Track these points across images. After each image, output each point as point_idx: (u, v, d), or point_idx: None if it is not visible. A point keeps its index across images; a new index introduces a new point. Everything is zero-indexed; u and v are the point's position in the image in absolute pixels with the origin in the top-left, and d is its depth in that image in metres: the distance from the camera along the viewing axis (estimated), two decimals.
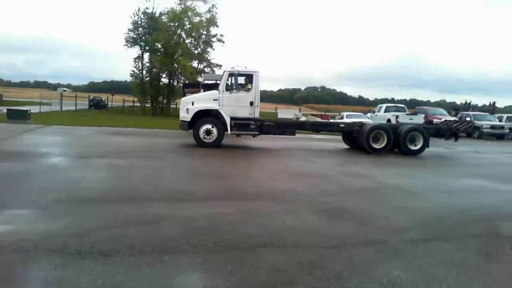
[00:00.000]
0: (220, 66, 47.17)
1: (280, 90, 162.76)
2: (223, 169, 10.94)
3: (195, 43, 47.56)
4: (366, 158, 14.59)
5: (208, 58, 47.52)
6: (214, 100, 15.41)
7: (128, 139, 17.25)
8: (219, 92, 15.43)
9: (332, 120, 19.35)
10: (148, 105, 48.17)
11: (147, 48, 47.55)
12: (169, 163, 11.54)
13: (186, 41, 47.01)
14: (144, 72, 48.39)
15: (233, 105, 15.33)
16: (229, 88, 15.37)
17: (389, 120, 27.81)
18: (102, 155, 12.14)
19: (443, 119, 29.07)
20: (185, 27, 45.58)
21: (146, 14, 47.40)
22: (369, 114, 33.83)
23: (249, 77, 15.73)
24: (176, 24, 45.52)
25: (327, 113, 43.95)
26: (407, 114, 29.71)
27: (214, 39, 47.57)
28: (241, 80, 15.79)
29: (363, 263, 4.52)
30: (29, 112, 24.74)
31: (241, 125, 15.42)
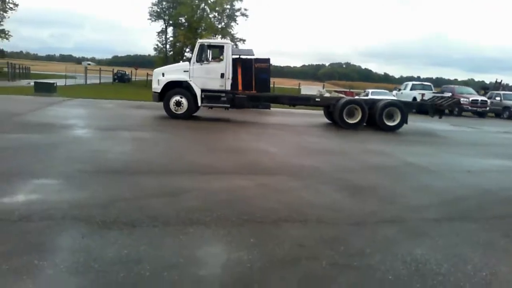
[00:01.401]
0: (244, 40, 46.80)
1: (303, 66, 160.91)
2: (238, 143, 10.97)
3: (219, 17, 47.17)
4: (380, 136, 14.36)
5: (232, 32, 47.14)
6: (184, 71, 15.35)
7: (150, 112, 17.35)
8: (190, 64, 15.37)
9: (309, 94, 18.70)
10: None
11: (170, 22, 47.42)
12: (188, 137, 11.65)
13: (210, 16, 46.66)
14: (167, 46, 48.39)
15: (204, 77, 15.19)
16: (199, 59, 15.21)
17: (414, 99, 27.26)
18: (125, 128, 12.29)
19: (470, 99, 28.36)
20: (209, 1, 45.16)
21: None
22: (394, 92, 33.24)
23: (220, 49, 15.55)
24: None
25: (351, 90, 43.31)
26: (433, 93, 29.04)
27: (237, 13, 47.11)
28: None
29: (386, 240, 4.48)
30: (55, 85, 25.17)
31: (211, 97, 15.27)
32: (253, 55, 17.57)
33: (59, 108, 17.06)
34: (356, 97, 22.24)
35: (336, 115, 15.89)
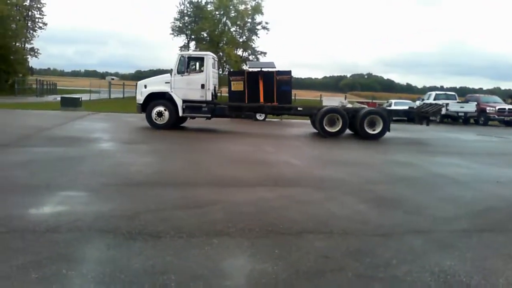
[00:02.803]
0: (264, 53, 47.00)
1: (325, 77, 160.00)
2: (258, 155, 10.95)
3: (240, 31, 47.56)
4: (403, 146, 14.23)
5: (253, 46, 47.41)
6: (166, 83, 15.56)
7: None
8: (171, 75, 15.55)
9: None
10: None
11: (192, 36, 48.00)
12: (210, 148, 11.71)
13: (231, 29, 47.09)
14: None
15: (185, 88, 15.36)
16: (180, 71, 15.39)
17: None
18: (147, 141, 12.47)
19: (497, 108, 27.75)
20: (230, 15, 45.63)
21: (192, 3, 47.74)
22: (418, 102, 32.78)
23: (201, 60, 15.77)
24: (222, 12, 45.64)
25: (374, 101, 42.90)
26: (457, 102, 28.56)
27: (259, 26, 47.40)
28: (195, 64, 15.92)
29: (413, 252, 4.39)
30: (80, 100, 25.71)
31: (193, 107, 15.46)
32: (275, 67, 17.67)
33: (84, 122, 17.42)
34: (379, 107, 22.03)
35: (316, 124, 15.77)
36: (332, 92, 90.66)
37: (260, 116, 19.77)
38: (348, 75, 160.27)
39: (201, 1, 47.63)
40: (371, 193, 6.94)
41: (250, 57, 46.09)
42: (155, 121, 15.46)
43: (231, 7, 45.28)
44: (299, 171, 8.87)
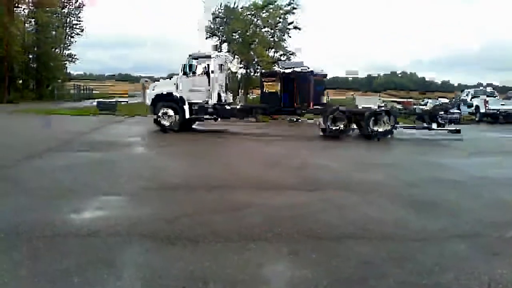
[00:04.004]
0: (295, 54, 46.73)
1: (357, 77, 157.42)
2: (298, 157, 10.80)
3: (272, 31, 47.49)
4: (438, 148, 13.72)
5: (285, 46, 47.25)
6: (173, 85, 15.62)
7: (202, 127, 17.67)
8: (178, 78, 15.59)
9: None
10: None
11: (224, 38, 48.31)
12: (243, 151, 11.71)
13: (263, 30, 47.09)
14: None
15: (191, 90, 15.39)
16: (187, 73, 15.42)
17: (477, 107, 25.97)
18: (181, 144, 12.61)
19: None
20: (261, 16, 45.65)
21: (227, 7, 48.04)
22: (454, 100, 31.83)
23: (206, 62, 15.63)
24: (253, 12, 45.73)
25: (409, 99, 41.95)
26: (497, 99, 27.51)
27: (290, 26, 47.21)
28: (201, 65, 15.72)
29: (457, 258, 4.23)
30: (115, 104, 26.31)
31: (199, 109, 15.45)
32: (305, 66, 17.45)
33: (120, 126, 17.78)
34: (414, 107, 21.42)
35: (322, 123, 15.48)
36: (366, 91, 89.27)
37: (293, 118, 19.59)
38: (382, 74, 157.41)
39: (237, 7, 47.81)
40: (410, 196, 6.74)
41: (282, 58, 45.95)
42: (162, 123, 15.51)
43: (264, 9, 45.27)
44: (336, 173, 8.72)
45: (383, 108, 15.72)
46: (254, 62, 46.42)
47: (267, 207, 5.83)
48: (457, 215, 5.77)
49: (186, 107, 15.36)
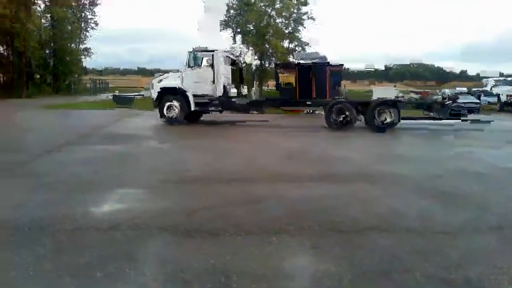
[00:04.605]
0: (309, 45, 46.36)
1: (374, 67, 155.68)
2: (318, 149, 10.74)
3: (286, 22, 47.17)
4: (463, 139, 13.45)
5: (299, 37, 46.91)
6: (178, 78, 15.85)
7: (221, 119, 17.69)
8: (183, 71, 15.79)
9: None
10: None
11: (238, 30, 48.14)
12: (262, 143, 11.65)
13: (277, 21, 46.80)
14: None
15: (196, 83, 15.57)
16: (191, 66, 15.63)
17: (498, 95, 25.43)
18: (199, 137, 12.62)
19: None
20: (276, 7, 45.36)
21: None
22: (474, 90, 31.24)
23: (210, 55, 15.82)
24: (267, 3, 45.46)
25: (426, 90, 41.28)
26: None
27: (305, 17, 46.83)
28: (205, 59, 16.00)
29: (485, 252, 4.10)
30: (132, 97, 26.45)
31: (203, 102, 15.69)
32: (324, 58, 17.32)
33: (137, 119, 17.87)
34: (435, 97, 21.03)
35: (324, 116, 15.39)
36: (382, 82, 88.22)
37: (309, 110, 19.44)
38: (397, 64, 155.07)
39: None
40: (434, 189, 6.59)
41: (297, 49, 45.63)
42: (167, 115, 15.71)
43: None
44: (357, 166, 8.58)
45: (392, 98, 15.51)
46: (268, 53, 46.24)
47: (288, 199, 5.76)
48: (483, 207, 5.63)
49: (191, 100, 15.56)
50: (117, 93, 30.86)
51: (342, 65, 17.09)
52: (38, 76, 46.67)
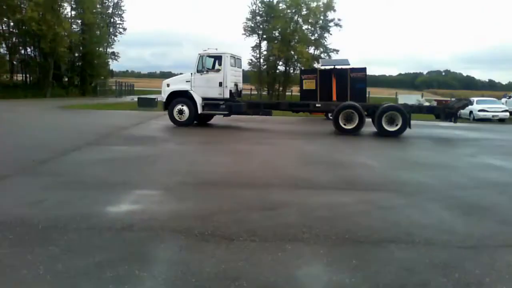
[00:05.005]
0: (337, 51, 46.19)
1: (400, 74, 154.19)
2: (339, 155, 10.54)
3: (312, 28, 47.14)
4: (489, 148, 13.02)
5: (325, 43, 46.80)
6: (187, 81, 15.98)
7: (246, 124, 17.70)
8: (191, 74, 15.87)
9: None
10: (264, 93, 48.95)
11: (264, 36, 48.32)
12: (283, 148, 11.53)
13: (303, 27, 46.81)
14: (261, 60, 49.29)
15: (204, 86, 15.71)
16: (200, 70, 15.70)
17: None
18: (219, 140, 12.60)
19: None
20: (302, 13, 45.38)
21: (264, 2, 48.06)
22: (503, 99, 30.28)
23: (219, 59, 15.86)
24: (293, 10, 45.53)
25: (452, 99, 40.42)
26: None
27: (331, 23, 46.73)
28: (212, 62, 16.06)
29: (510, 268, 3.88)
30: (155, 100, 26.72)
31: (211, 105, 15.77)
32: (349, 65, 17.16)
33: (159, 121, 17.96)
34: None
35: (332, 120, 15.18)
36: (408, 89, 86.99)
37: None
38: (425, 72, 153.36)
39: (272, 0, 47.83)
40: (457, 199, 6.36)
41: (322, 55, 45.53)
42: (177, 118, 15.92)
43: (303, 4, 45.02)
44: (377, 173, 8.39)
45: (396, 105, 15.17)
46: (293, 60, 46.26)
47: (305, 206, 5.64)
48: (507, 221, 5.38)
49: (198, 103, 15.73)
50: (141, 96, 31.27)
51: (365, 69, 16.83)
52: (66, 79, 47.81)
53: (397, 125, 14.58)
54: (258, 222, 4.86)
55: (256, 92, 49.10)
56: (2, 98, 33.60)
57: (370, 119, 15.34)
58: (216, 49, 16.13)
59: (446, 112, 15.52)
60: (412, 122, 15.28)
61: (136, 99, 28.60)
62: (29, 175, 7.11)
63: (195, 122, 16.50)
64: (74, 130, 14.13)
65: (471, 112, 26.03)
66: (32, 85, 43.11)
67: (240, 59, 17.38)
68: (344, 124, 14.89)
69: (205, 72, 15.77)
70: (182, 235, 4.35)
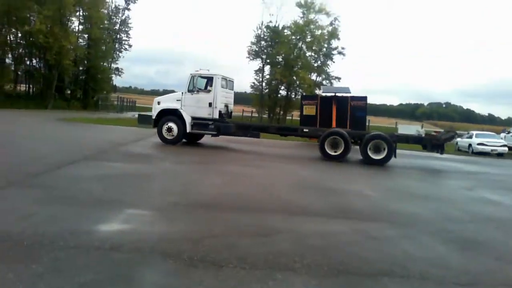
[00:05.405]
0: (339, 79, 46.55)
1: (400, 104, 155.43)
2: (332, 182, 10.46)
3: (315, 55, 47.62)
4: (491, 182, 12.95)
5: (327, 70, 47.20)
6: (177, 100, 16.22)
7: (241, 146, 17.62)
8: (182, 93, 16.11)
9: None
10: (265, 116, 49.11)
11: (268, 61, 48.76)
12: (280, 173, 11.45)
13: (307, 54, 47.26)
14: (263, 84, 49.64)
15: (194, 106, 15.94)
16: (190, 89, 15.94)
17: None
18: (217, 161, 12.53)
19: None
20: (307, 40, 45.90)
21: (269, 28, 48.67)
22: (503, 134, 30.36)
23: (210, 80, 16.03)
24: (298, 37, 46.05)
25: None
26: None
27: (334, 51, 47.25)
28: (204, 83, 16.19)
29: None
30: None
31: (200, 124, 15.94)
32: (350, 92, 17.27)
33: (158, 139, 17.88)
34: (458, 139, 20.53)
35: (318, 145, 15.22)
36: (408, 120, 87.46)
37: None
38: (425, 103, 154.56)
39: (278, 26, 48.44)
40: (453, 233, 6.27)
41: (324, 82, 45.86)
42: (164, 136, 16.12)
43: (307, 32, 45.55)
44: (371, 202, 8.29)
45: (381, 134, 15.15)
46: (295, 85, 46.57)
47: (297, 233, 5.54)
48: (504, 257, 5.29)
49: (187, 122, 15.92)
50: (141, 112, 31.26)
51: (366, 97, 16.92)
52: (68, 92, 48.00)
53: (382, 153, 14.56)
54: (249, 248, 4.76)
55: (257, 115, 49.30)
56: (4, 107, 33.69)
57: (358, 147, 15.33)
58: (208, 70, 16.33)
59: (433, 144, 15.46)
60: (408, 152, 15.25)
61: (136, 115, 28.60)
62: (21, 187, 7.02)
63: (184, 140, 16.72)
64: (72, 144, 14.07)
65: (470, 145, 26.11)
66: (34, 96, 43.28)
67: (232, 81, 17.57)
68: (330, 150, 14.91)
69: (195, 92, 15.96)
70: (171, 258, 4.25)
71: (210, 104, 15.85)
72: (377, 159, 14.53)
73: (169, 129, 16.03)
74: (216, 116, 15.91)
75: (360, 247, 5.18)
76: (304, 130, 16.68)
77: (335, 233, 5.75)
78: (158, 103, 16.77)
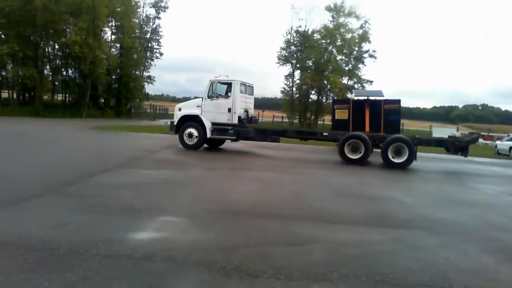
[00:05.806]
0: (371, 82, 45.83)
1: (434, 107, 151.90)
2: (364, 187, 10.15)
3: (346, 59, 47.07)
4: None
5: (359, 74, 46.55)
6: (197, 106, 16.51)
7: (273, 153, 17.50)
8: (202, 100, 16.35)
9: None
10: (296, 121, 48.86)
11: (298, 65, 48.58)
12: (312, 179, 11.23)
13: (337, 58, 46.78)
14: (294, 89, 49.47)
15: (214, 111, 16.16)
16: (210, 95, 16.14)
17: None
18: (251, 168, 12.42)
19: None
20: (337, 44, 45.44)
21: (299, 32, 48.53)
22: None
23: (229, 86, 16.16)
24: (328, 41, 45.66)
25: (490, 134, 39.16)
26: None
27: (365, 55, 46.59)
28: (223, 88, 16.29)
29: None
30: None
31: (219, 129, 16.14)
32: (383, 96, 16.89)
33: None
34: (498, 142, 19.77)
35: (337, 149, 14.96)
36: (442, 123, 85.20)
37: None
38: (460, 106, 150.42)
39: (307, 31, 48.20)
40: (499, 242, 5.93)
41: (356, 86, 45.23)
42: (186, 141, 16.37)
43: (337, 35, 45.10)
44: (410, 209, 7.96)
45: (402, 137, 14.70)
46: (326, 89, 46.13)
47: (334, 243, 5.36)
48: None
49: (207, 127, 16.13)
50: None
51: (399, 100, 16.50)
52: (102, 100, 49.21)
53: (403, 157, 14.23)
54: (284, 258, 4.61)
55: (287, 120, 49.07)
56: (42, 116, 34.95)
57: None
58: (227, 76, 16.45)
59: (456, 146, 14.94)
60: (446, 155, 14.74)
61: (169, 123, 28.97)
62: (56, 196, 7.12)
63: (205, 145, 16.93)
64: (105, 152, 14.30)
65: (511, 148, 25.09)
66: (70, 105, 44.75)
67: (252, 86, 17.59)
68: (350, 154, 14.68)
69: (215, 98, 16.12)
70: (204, 268, 4.16)
71: (229, 110, 16.04)
72: (398, 162, 14.25)
73: (190, 135, 16.30)
74: (236, 121, 16.06)
75: (400, 257, 4.96)
76: (324, 133, 16.63)
77: (372, 241, 5.53)
78: (179, 109, 17.11)
